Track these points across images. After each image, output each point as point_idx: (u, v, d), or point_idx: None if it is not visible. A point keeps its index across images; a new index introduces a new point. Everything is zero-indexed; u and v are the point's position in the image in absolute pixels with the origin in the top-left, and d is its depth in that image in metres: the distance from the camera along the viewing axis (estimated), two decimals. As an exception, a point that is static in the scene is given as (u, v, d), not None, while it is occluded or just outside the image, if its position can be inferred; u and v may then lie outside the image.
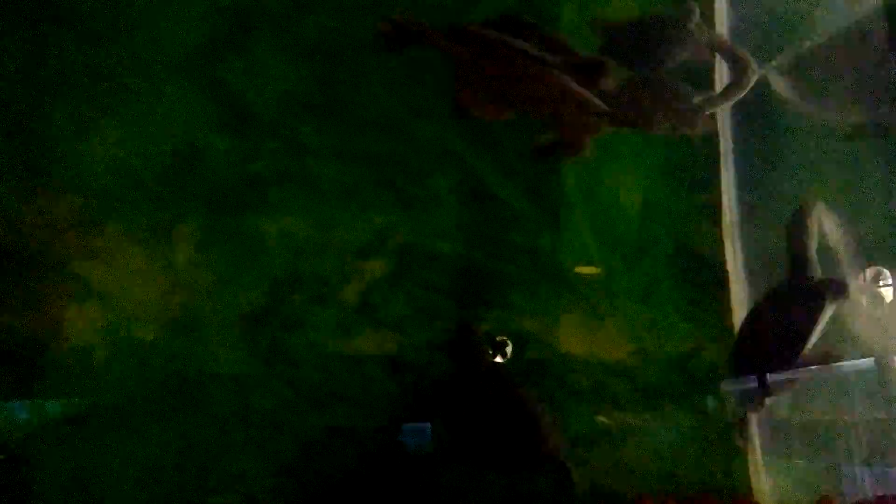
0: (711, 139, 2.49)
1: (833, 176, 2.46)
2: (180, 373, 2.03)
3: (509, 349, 2.35)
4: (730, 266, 2.52)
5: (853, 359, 2.20)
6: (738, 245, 2.50)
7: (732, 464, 2.39)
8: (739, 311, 2.50)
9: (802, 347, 2.14)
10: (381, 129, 2.30)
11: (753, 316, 2.34)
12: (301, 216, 2.19)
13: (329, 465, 2.09)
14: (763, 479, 2.36)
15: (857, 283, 2.24)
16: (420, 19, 2.18)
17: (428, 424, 2.23)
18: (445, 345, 2.22)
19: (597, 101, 2.16)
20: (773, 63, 2.48)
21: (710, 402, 2.43)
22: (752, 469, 2.38)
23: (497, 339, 2.35)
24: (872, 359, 2.24)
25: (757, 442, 2.39)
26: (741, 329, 2.38)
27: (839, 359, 2.11)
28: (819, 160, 2.50)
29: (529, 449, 2.08)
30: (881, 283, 2.31)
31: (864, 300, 2.28)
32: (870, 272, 2.31)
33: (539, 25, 2.27)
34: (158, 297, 2.05)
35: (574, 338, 2.39)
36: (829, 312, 2.15)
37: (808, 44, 2.28)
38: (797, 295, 2.21)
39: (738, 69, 2.44)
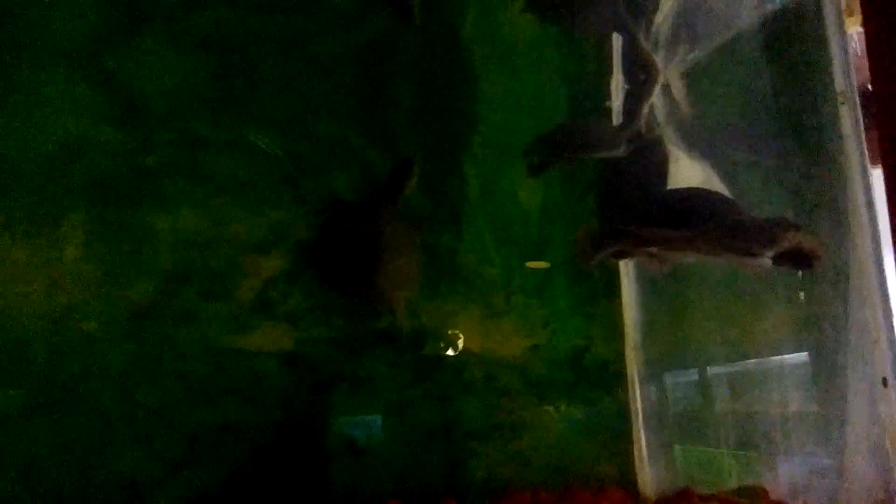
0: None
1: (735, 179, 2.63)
2: (64, 368, 2.05)
3: (461, 342, 2.46)
4: (621, 265, 2.69)
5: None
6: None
7: (620, 455, 2.56)
8: (630, 310, 2.68)
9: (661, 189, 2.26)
10: (277, 125, 2.37)
11: (608, 173, 2.47)
12: (194, 210, 2.23)
13: (219, 461, 2.15)
14: (647, 469, 2.53)
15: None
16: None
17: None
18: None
19: None
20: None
21: (600, 396, 2.59)
22: (637, 460, 2.55)
23: (449, 332, 2.46)
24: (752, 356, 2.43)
25: (642, 433, 2.57)
26: (598, 187, 2.52)
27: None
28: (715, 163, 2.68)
29: (368, 286, 2.13)
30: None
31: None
32: None
33: None
34: (42, 291, 2.06)
35: (470, 334, 2.52)
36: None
37: (690, 56, 2.44)
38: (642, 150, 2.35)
39: (645, 70, 2.46)
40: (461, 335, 2.50)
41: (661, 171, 2.33)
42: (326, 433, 2.29)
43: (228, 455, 2.16)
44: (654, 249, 2.10)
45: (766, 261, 1.75)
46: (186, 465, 2.11)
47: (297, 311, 2.32)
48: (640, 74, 2.50)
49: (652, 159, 2.36)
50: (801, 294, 2.14)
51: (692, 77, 2.43)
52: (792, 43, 2.25)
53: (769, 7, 2.27)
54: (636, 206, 2.30)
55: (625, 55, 2.61)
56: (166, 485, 2.09)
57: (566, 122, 2.69)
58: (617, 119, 2.53)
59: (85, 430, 2.05)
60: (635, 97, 2.50)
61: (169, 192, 2.23)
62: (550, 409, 2.53)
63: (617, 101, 2.65)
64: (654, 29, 2.48)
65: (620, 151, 2.38)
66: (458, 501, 2.23)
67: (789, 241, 1.69)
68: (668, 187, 2.35)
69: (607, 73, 2.50)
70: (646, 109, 2.44)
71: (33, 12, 2.11)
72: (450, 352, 2.48)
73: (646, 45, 2.44)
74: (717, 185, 2.33)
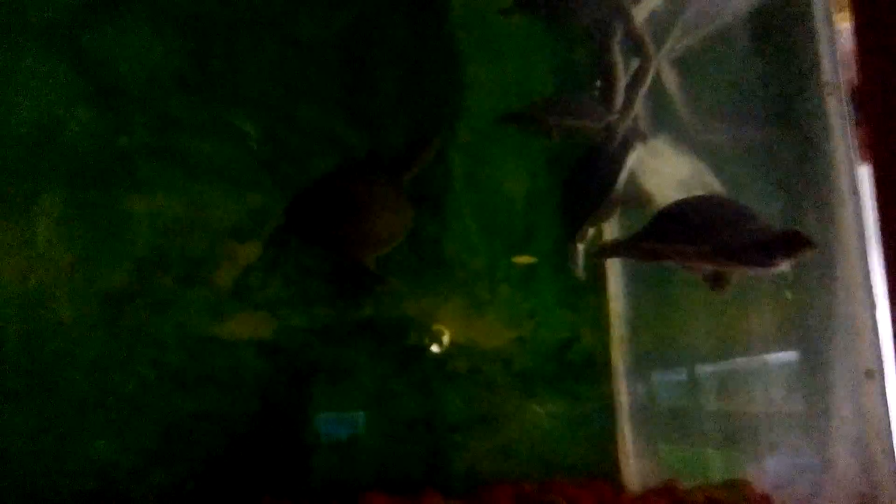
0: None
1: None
2: (35, 354, 2.02)
3: (445, 338, 2.44)
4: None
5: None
6: (616, 235, 2.66)
7: (605, 449, 2.56)
8: (616, 301, 2.67)
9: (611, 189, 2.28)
10: (257, 108, 2.34)
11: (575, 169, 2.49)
12: (171, 194, 2.20)
13: (194, 450, 2.12)
14: (632, 462, 2.53)
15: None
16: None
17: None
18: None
19: None
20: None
21: (585, 389, 2.59)
22: (622, 453, 2.55)
23: (433, 328, 2.45)
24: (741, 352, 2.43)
25: (627, 427, 2.57)
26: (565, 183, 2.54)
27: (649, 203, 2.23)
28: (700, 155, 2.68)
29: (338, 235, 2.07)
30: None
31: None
32: None
33: None
34: (14, 275, 2.03)
35: (454, 325, 2.50)
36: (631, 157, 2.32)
37: (683, 42, 2.42)
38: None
39: (641, 57, 2.42)
40: (445, 328, 2.48)
41: (619, 158, 2.33)
42: (305, 424, 2.27)
43: (205, 444, 2.14)
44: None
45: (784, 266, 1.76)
46: (162, 453, 2.09)
47: (277, 300, 2.29)
48: (635, 60, 2.45)
49: (613, 148, 2.37)
50: (788, 293, 2.14)
51: (680, 67, 2.42)
52: (781, 33, 2.25)
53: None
54: (592, 200, 2.32)
55: (619, 41, 2.57)
56: (141, 473, 2.06)
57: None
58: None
59: (58, 417, 2.02)
60: (630, 83, 2.45)
61: (145, 175, 2.19)
62: (535, 401, 2.52)
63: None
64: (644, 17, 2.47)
65: (611, 141, 2.37)
66: (440, 493, 2.22)
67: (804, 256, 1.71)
68: (653, 183, 2.35)
69: (597, 59, 2.48)
70: (640, 95, 2.42)
71: (7, -11, 2.07)
72: (434, 345, 2.46)
73: (641, 30, 2.42)
74: (706, 180, 2.32)
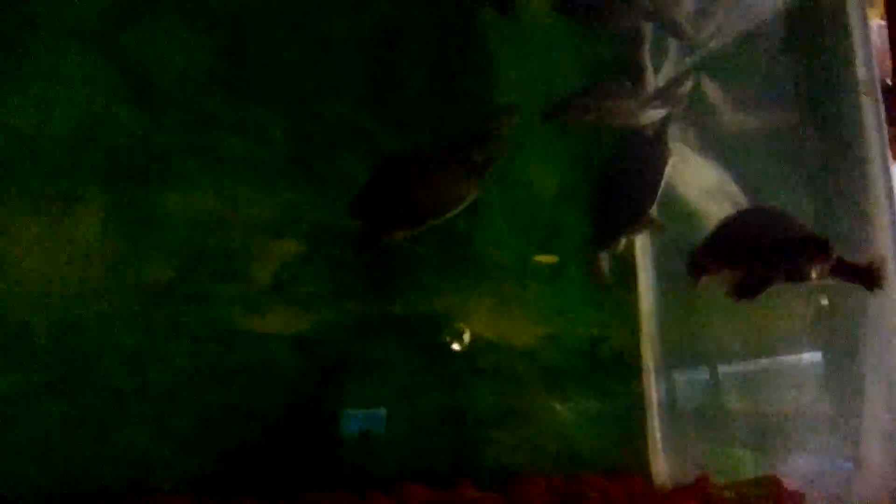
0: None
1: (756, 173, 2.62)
2: (76, 347, 2.09)
3: (466, 336, 2.48)
4: (638, 252, 2.70)
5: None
6: (647, 234, 2.67)
7: (634, 445, 2.58)
8: (646, 298, 2.69)
9: (653, 196, 2.25)
10: (290, 105, 2.39)
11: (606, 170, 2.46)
12: (207, 190, 2.26)
13: (229, 441, 2.18)
14: (661, 459, 2.55)
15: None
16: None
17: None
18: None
19: None
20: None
21: (614, 386, 2.61)
22: (651, 450, 2.57)
23: (455, 325, 2.48)
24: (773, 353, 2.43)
25: (657, 424, 2.58)
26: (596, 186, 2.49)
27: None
28: (734, 155, 2.68)
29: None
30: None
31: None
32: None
33: None
34: (57, 269, 2.10)
35: (483, 320, 2.53)
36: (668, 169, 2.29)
37: (713, 43, 2.43)
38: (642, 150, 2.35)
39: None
40: (474, 323, 2.51)
41: (659, 171, 2.31)
42: (336, 416, 2.32)
43: (238, 435, 2.19)
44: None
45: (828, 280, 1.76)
46: (196, 444, 2.15)
47: (310, 294, 2.34)
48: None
49: (651, 157, 2.35)
50: (820, 294, 2.14)
51: (712, 67, 2.43)
52: (814, 32, 2.24)
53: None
54: (630, 213, 2.31)
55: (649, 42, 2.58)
56: (176, 463, 2.13)
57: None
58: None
59: (97, 407, 2.08)
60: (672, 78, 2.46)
61: (182, 171, 2.25)
62: (563, 397, 2.55)
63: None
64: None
65: (650, 131, 2.36)
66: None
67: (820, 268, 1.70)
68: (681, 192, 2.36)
69: (626, 58, 2.49)
70: (683, 90, 2.42)
71: (51, -9, 2.14)
72: (459, 340, 2.49)
73: (685, 28, 2.41)
74: (731, 187, 2.33)
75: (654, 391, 2.63)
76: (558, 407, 2.56)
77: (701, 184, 2.39)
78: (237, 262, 2.27)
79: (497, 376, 2.51)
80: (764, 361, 2.36)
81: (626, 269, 2.72)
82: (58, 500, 2.01)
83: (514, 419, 2.50)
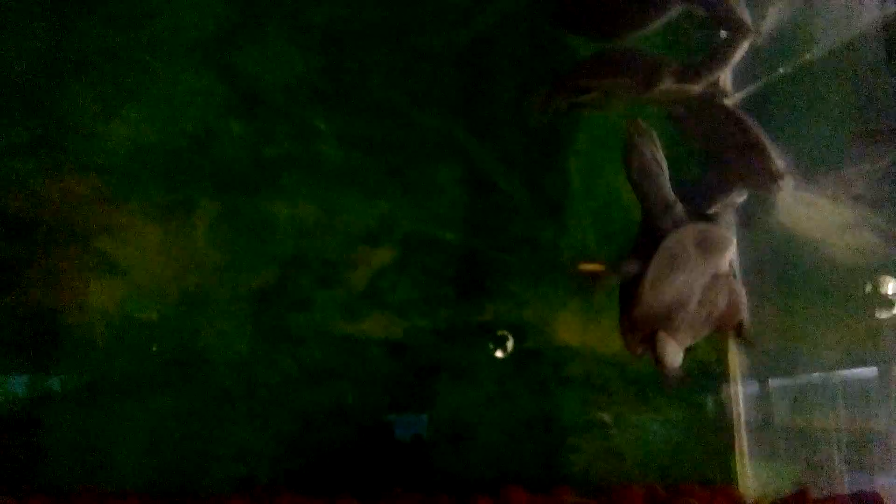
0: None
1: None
2: (189, 347, 2.26)
3: (510, 343, 2.58)
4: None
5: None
6: (737, 247, 2.71)
7: (721, 457, 2.62)
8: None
9: None
10: (386, 117, 2.52)
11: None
12: (309, 200, 2.41)
13: (327, 441, 2.33)
14: (749, 472, 2.58)
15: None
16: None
17: (424, 415, 2.48)
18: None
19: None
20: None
21: (701, 396, 2.66)
22: (738, 463, 2.61)
23: (498, 333, 2.58)
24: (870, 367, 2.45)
25: (745, 436, 2.62)
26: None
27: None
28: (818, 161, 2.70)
29: None
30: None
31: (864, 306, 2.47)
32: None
33: None
34: (172, 274, 2.28)
35: (570, 329, 2.62)
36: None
37: (806, 56, 2.44)
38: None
39: (732, 30, 2.14)
40: (558, 332, 2.60)
41: None
42: (429, 419, 2.44)
43: (337, 435, 2.34)
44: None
45: None
46: (299, 443, 2.30)
47: (404, 301, 2.47)
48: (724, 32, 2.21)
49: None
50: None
51: (800, 82, 2.45)
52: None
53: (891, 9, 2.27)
54: None
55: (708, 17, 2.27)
56: (279, 459, 2.28)
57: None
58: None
59: (207, 405, 2.25)
60: (712, 55, 2.19)
61: (286, 182, 2.41)
62: (649, 407, 2.61)
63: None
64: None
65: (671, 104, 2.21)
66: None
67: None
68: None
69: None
70: (722, 72, 2.20)
71: (169, 12, 2.32)
72: (547, 348, 2.58)
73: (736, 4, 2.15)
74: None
75: (741, 403, 2.66)
76: (644, 417, 2.62)
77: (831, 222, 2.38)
78: (336, 269, 2.42)
79: (583, 384, 2.59)
80: (861, 372, 2.38)
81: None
82: (168, 492, 2.19)
83: (600, 428, 2.58)
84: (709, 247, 2.03)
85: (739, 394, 2.67)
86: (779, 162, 2.13)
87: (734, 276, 2.05)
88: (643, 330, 2.04)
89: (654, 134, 2.09)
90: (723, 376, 2.69)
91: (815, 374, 2.55)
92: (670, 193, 2.05)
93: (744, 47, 2.16)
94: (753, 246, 2.65)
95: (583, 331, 2.62)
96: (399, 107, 2.57)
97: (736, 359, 2.70)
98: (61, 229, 2.21)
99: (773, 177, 2.14)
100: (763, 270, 2.63)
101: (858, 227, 2.28)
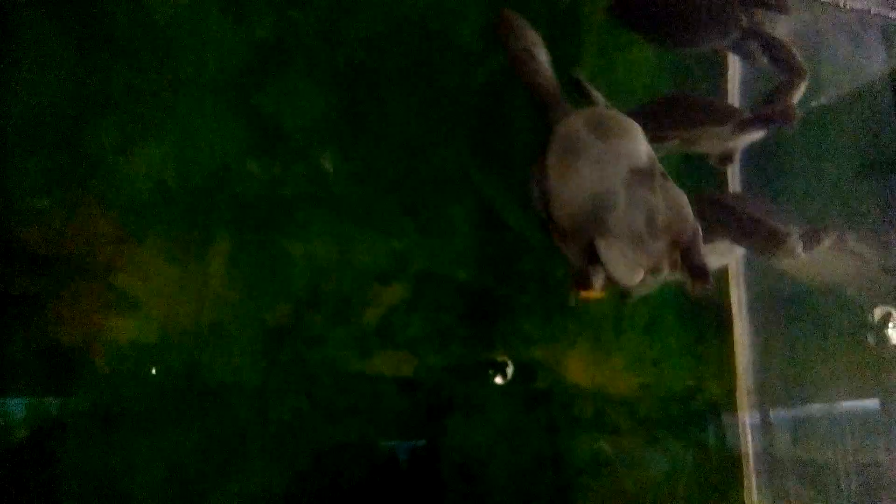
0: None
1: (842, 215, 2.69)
2: (205, 381, 2.30)
3: (510, 370, 2.61)
4: (734, 304, 2.78)
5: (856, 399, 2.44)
6: (743, 285, 2.76)
7: (729, 493, 2.65)
8: (742, 350, 2.77)
9: None
10: (402, 157, 2.58)
11: None
12: (325, 239, 2.46)
13: (339, 475, 2.35)
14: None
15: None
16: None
17: (423, 442, 2.49)
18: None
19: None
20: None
21: (709, 438, 2.69)
22: (747, 499, 2.63)
23: (498, 359, 2.62)
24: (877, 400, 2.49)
25: (754, 478, 2.65)
26: None
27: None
28: (828, 202, 2.76)
29: None
30: (890, 324, 2.54)
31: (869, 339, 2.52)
32: (878, 312, 2.54)
33: None
34: (189, 310, 2.32)
35: (580, 368, 2.66)
36: None
37: (813, 103, 2.50)
38: None
39: (791, 72, 2.20)
40: (568, 372, 2.64)
41: None
42: (440, 457, 2.47)
43: (349, 471, 2.36)
44: None
45: None
46: (311, 477, 2.32)
47: (416, 339, 2.51)
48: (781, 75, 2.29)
49: None
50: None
51: (818, 124, 2.51)
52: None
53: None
54: None
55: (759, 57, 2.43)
56: (292, 495, 2.30)
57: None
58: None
59: (223, 439, 2.28)
60: (777, 96, 2.26)
61: (302, 219, 2.46)
62: (659, 448, 2.64)
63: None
64: None
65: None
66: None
67: None
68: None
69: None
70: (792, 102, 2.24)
71: (192, 53, 2.39)
72: (557, 387, 2.62)
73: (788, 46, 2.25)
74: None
75: (750, 443, 2.70)
76: (653, 458, 2.65)
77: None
78: (351, 306, 2.46)
79: (593, 424, 2.63)
80: (873, 413, 2.41)
81: (721, 317, 2.81)
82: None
83: (610, 468, 2.60)
84: (606, 130, 1.90)
85: (748, 433, 2.70)
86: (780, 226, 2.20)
87: (665, 177, 1.88)
88: (579, 241, 1.87)
89: (526, 23, 2.11)
90: (732, 417, 2.73)
91: (825, 407, 2.58)
92: (552, 81, 2.02)
93: (802, 89, 2.21)
94: (761, 279, 2.70)
95: (592, 370, 2.66)
96: (415, 146, 2.63)
97: (745, 399, 2.73)
98: (80, 265, 2.25)
99: (778, 240, 2.20)
100: (771, 306, 2.68)
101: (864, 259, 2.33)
